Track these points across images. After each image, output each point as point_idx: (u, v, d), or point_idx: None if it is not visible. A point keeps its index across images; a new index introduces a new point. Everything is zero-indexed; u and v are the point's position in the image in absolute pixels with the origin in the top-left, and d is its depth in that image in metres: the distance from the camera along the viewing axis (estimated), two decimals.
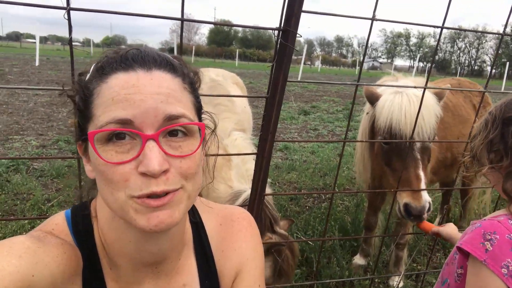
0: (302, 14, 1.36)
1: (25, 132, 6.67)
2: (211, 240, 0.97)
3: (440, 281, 1.33)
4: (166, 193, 0.70)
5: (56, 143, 6.13)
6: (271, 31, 1.40)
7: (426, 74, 2.05)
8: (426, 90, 2.19)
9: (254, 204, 1.61)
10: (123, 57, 0.74)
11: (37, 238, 0.74)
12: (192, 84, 0.81)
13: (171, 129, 0.72)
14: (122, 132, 0.69)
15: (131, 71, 0.72)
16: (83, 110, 0.75)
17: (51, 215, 0.86)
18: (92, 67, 0.77)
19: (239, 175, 2.36)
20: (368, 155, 2.64)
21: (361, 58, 1.90)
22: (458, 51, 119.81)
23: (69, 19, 1.17)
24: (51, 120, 7.76)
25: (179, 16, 1.30)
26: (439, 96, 2.33)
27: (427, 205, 2.05)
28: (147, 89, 0.70)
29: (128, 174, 0.69)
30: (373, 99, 2.33)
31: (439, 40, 1.83)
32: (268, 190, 2.27)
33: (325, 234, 3.34)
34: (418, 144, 2.18)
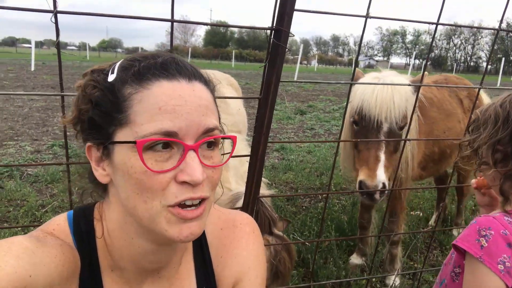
0: (296, 13, 1.34)
1: (19, 138, 6.62)
2: (210, 245, 0.96)
3: (438, 281, 1.30)
4: (201, 200, 0.72)
5: (51, 148, 6.08)
6: (265, 31, 1.38)
7: (422, 71, 2.06)
8: (403, 77, 2.31)
9: (248, 206, 1.59)
10: (163, 64, 0.72)
11: (36, 239, 0.74)
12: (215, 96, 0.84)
13: (208, 141, 0.73)
14: (168, 142, 0.69)
15: (174, 80, 0.71)
16: (110, 112, 0.72)
17: (44, 221, 0.86)
18: (116, 68, 0.74)
19: (237, 177, 2.34)
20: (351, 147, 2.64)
21: (356, 57, 1.92)
22: (454, 48, 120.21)
23: (56, 22, 1.15)
24: (46, 125, 7.72)
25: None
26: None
27: (380, 185, 2.08)
28: (192, 100, 0.71)
29: (166, 184, 0.69)
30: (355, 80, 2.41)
31: (434, 36, 1.82)
32: (265, 191, 2.25)
33: (321, 235, 3.33)
34: (385, 128, 2.21)
